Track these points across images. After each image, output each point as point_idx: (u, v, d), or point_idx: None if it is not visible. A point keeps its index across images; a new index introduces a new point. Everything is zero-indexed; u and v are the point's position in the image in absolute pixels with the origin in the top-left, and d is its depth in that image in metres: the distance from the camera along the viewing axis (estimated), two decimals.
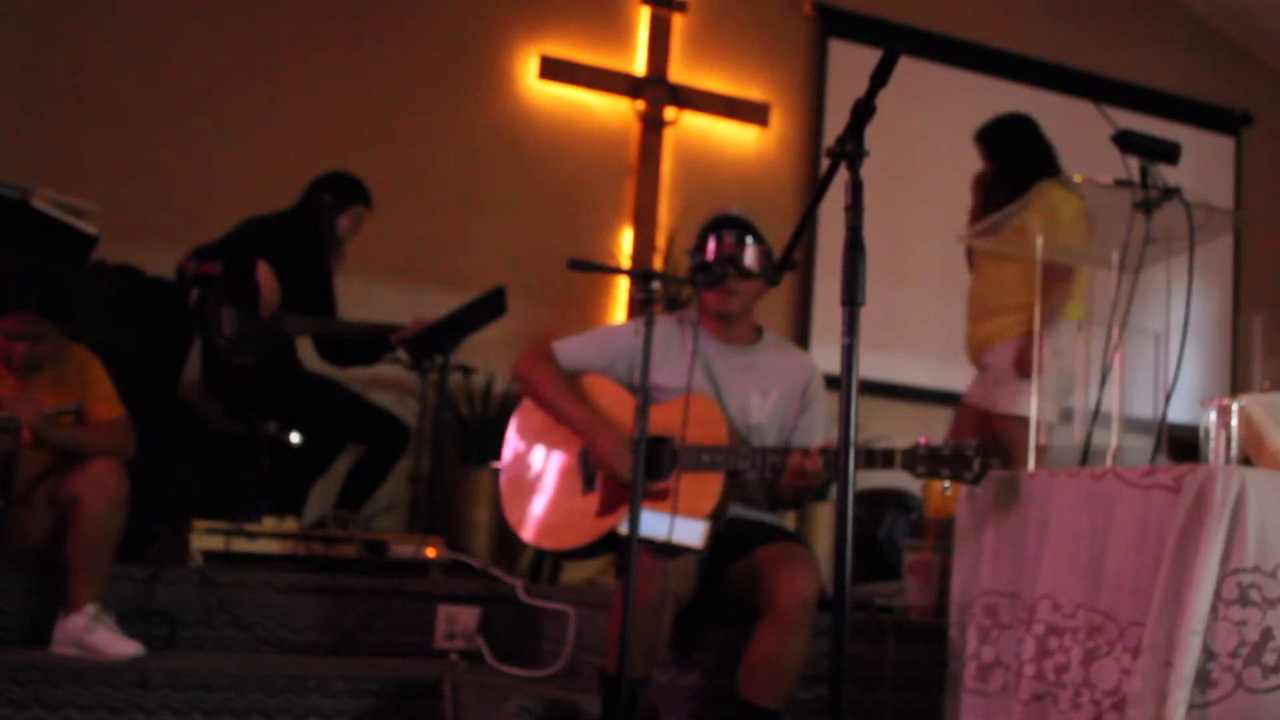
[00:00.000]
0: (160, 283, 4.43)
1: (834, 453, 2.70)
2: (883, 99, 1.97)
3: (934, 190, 6.20)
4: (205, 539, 3.88)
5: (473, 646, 3.76)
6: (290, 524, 4.10)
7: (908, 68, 2.19)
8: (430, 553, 4.12)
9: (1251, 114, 7.09)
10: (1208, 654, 2.22)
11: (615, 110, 5.96)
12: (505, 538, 4.52)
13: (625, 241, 5.87)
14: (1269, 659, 2.23)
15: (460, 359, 4.63)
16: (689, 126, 6.07)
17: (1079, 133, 5.56)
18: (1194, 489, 2.27)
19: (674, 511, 2.72)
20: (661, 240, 5.85)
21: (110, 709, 3.04)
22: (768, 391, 3.08)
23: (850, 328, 1.93)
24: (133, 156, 5.09)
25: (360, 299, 4.84)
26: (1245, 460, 2.52)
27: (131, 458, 3.50)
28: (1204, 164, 6.62)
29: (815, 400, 3.13)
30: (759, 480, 3.02)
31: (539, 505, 3.10)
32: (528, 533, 3.10)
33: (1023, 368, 3.88)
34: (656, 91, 5.98)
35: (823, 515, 4.81)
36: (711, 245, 3.04)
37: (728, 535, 2.89)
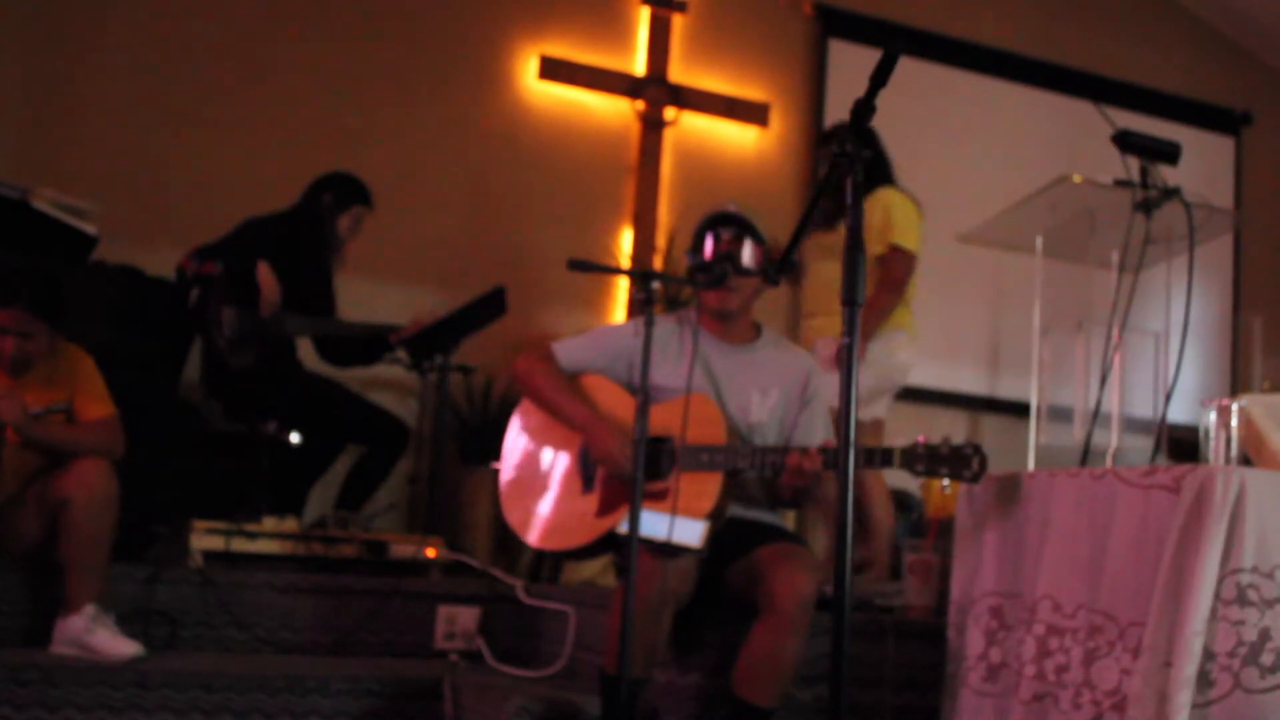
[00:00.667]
0: (160, 283, 4.43)
1: (833, 452, 2.70)
2: (883, 99, 1.97)
3: (934, 190, 6.20)
4: (205, 539, 3.87)
5: (473, 646, 3.76)
6: (290, 524, 4.10)
7: (907, 67, 2.19)
8: (430, 553, 4.12)
9: (1251, 114, 7.09)
10: (1206, 654, 2.22)
11: (615, 110, 5.96)
12: (505, 538, 4.52)
13: (625, 241, 5.87)
14: (1266, 659, 2.23)
15: (460, 359, 4.63)
16: (689, 126, 6.07)
17: (1079, 133, 5.59)
18: (1194, 489, 2.28)
19: (673, 511, 2.72)
20: (661, 240, 5.85)
21: (110, 709, 3.04)
22: (768, 389, 3.07)
23: (850, 328, 1.93)
24: (133, 156, 5.09)
25: (360, 299, 4.84)
26: (1245, 460, 2.53)
27: (121, 457, 3.48)
28: (1204, 164, 6.62)
29: (815, 398, 3.12)
30: (759, 479, 3.02)
31: (538, 506, 3.09)
32: (527, 533, 3.09)
33: (838, 364, 4.00)
34: (656, 91, 5.98)
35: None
36: (709, 243, 3.04)
37: (727, 535, 2.89)
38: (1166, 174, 3.32)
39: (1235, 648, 2.22)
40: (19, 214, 4.10)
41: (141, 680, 3.09)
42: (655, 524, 2.68)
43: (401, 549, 4.16)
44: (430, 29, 5.65)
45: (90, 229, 4.25)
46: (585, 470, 3.04)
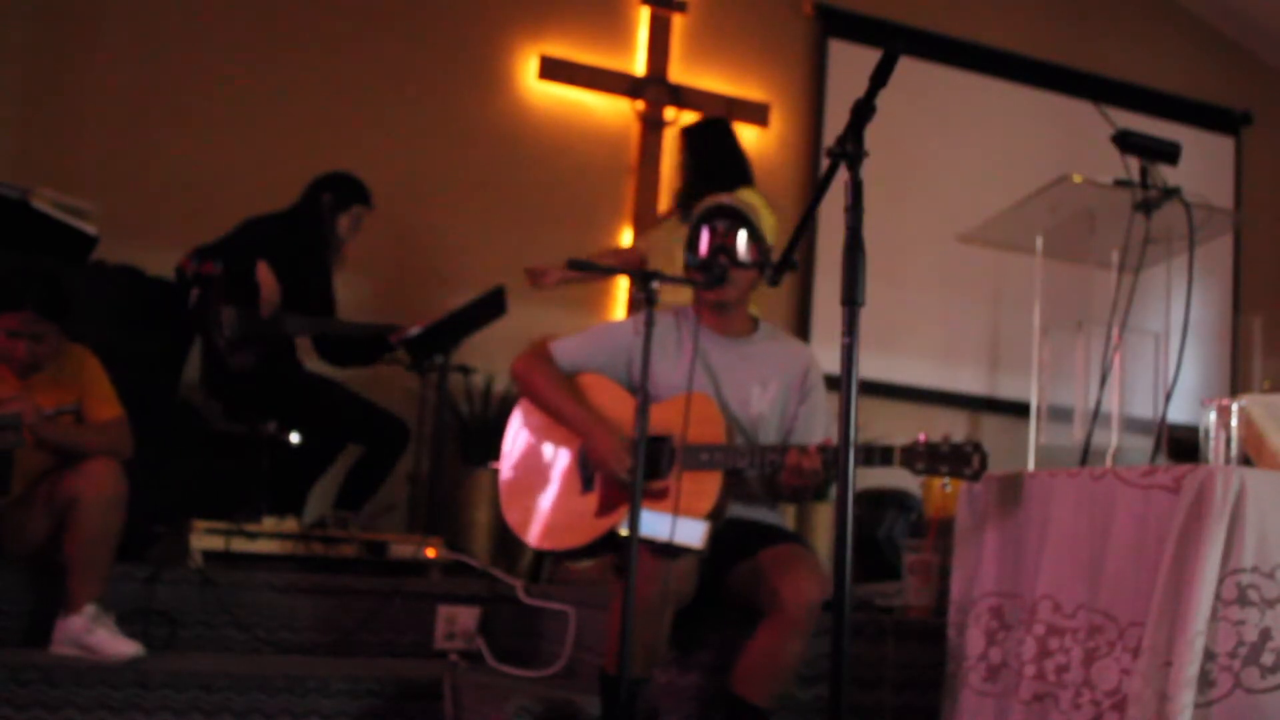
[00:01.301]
0: (160, 283, 4.43)
1: (833, 451, 2.70)
2: (883, 99, 1.97)
3: (934, 190, 6.21)
4: (205, 539, 3.88)
5: (473, 647, 3.76)
6: (290, 524, 4.10)
7: (907, 68, 2.19)
8: (430, 553, 4.12)
9: (1251, 114, 7.09)
10: (1207, 654, 2.22)
11: (615, 110, 5.95)
12: (505, 538, 4.51)
13: (625, 241, 5.86)
14: (1267, 659, 2.23)
15: (460, 359, 4.63)
16: None
17: (1079, 133, 5.59)
18: (1194, 489, 2.27)
19: (674, 511, 2.72)
20: None
21: (110, 709, 3.04)
22: (767, 381, 3.07)
23: (850, 328, 1.93)
24: (133, 156, 5.09)
25: (360, 299, 4.83)
26: (1245, 460, 2.53)
27: (130, 458, 3.49)
28: (1204, 164, 6.61)
29: (815, 389, 3.11)
30: (759, 477, 3.01)
31: (538, 506, 3.08)
32: (527, 534, 3.09)
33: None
34: (656, 91, 5.97)
35: (822, 515, 4.80)
36: (704, 236, 3.03)
37: (730, 536, 2.88)
38: (1166, 174, 3.32)
39: (1236, 648, 2.22)
40: (19, 214, 4.10)
41: (141, 680, 3.09)
42: (656, 524, 2.68)
43: (401, 549, 4.16)
44: (430, 29, 5.64)
45: (90, 229, 4.26)
46: (585, 470, 3.03)
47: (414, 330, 4.47)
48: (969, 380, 6.35)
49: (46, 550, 3.41)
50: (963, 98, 6.48)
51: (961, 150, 6.37)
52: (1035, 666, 2.53)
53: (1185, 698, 2.18)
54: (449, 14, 5.69)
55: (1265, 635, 2.24)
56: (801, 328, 6.03)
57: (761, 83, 6.21)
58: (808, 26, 6.34)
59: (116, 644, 3.24)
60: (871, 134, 2.00)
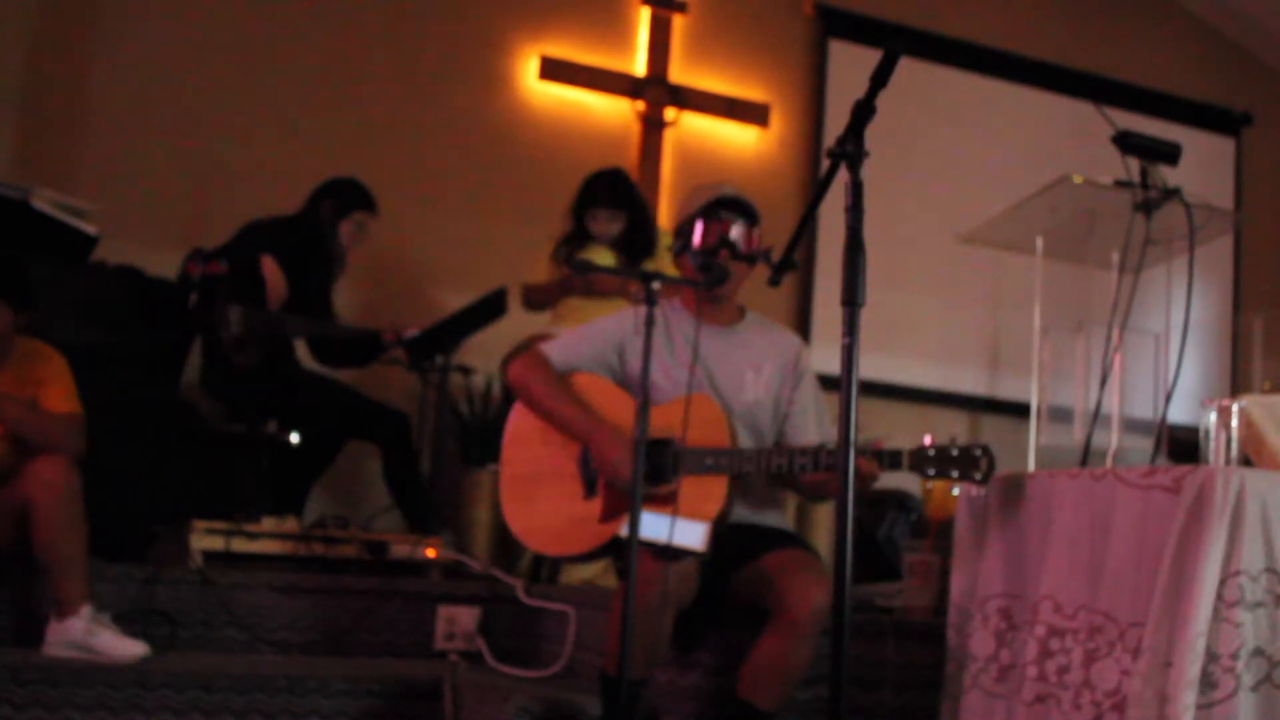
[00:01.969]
0: (160, 283, 4.42)
1: (884, 453, 2.67)
2: (883, 99, 1.97)
3: (934, 191, 6.21)
4: (205, 539, 3.88)
5: (473, 647, 3.76)
6: (290, 524, 4.10)
7: (907, 68, 2.19)
8: (430, 553, 4.12)
9: (1251, 114, 7.09)
10: (1209, 655, 2.22)
11: (615, 111, 5.95)
12: (505, 538, 4.51)
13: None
14: (1270, 660, 2.23)
15: (460, 359, 4.62)
16: (689, 127, 6.06)
17: (1079, 133, 5.58)
18: (1194, 490, 2.27)
19: (676, 514, 2.71)
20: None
21: (110, 709, 3.04)
22: (760, 366, 3.05)
23: (850, 328, 1.93)
24: (133, 156, 5.09)
25: (360, 299, 4.83)
26: (1245, 461, 2.52)
27: (82, 458, 3.41)
28: (1204, 164, 6.62)
29: (807, 373, 3.11)
30: (767, 475, 2.97)
31: (540, 512, 3.03)
32: (530, 540, 3.05)
33: None
34: (657, 92, 5.97)
35: (823, 515, 4.80)
36: (699, 228, 3.01)
37: (733, 539, 2.87)
38: (1167, 174, 3.32)
39: (1238, 649, 2.22)
40: (19, 214, 4.10)
41: (141, 680, 3.09)
42: (657, 526, 2.67)
43: (401, 549, 4.16)
44: (430, 30, 5.64)
45: (90, 229, 4.25)
46: (586, 475, 3.00)
47: (413, 331, 4.47)
48: (969, 381, 6.35)
49: (15, 554, 3.34)
50: (963, 98, 6.48)
51: (961, 150, 6.37)
52: (1037, 668, 2.53)
53: (1187, 699, 2.18)
54: (449, 15, 5.69)
55: (1267, 636, 2.23)
56: (802, 328, 6.03)
57: (762, 83, 6.21)
58: (808, 27, 6.34)
59: (124, 645, 3.23)
60: (872, 134, 1.99)
